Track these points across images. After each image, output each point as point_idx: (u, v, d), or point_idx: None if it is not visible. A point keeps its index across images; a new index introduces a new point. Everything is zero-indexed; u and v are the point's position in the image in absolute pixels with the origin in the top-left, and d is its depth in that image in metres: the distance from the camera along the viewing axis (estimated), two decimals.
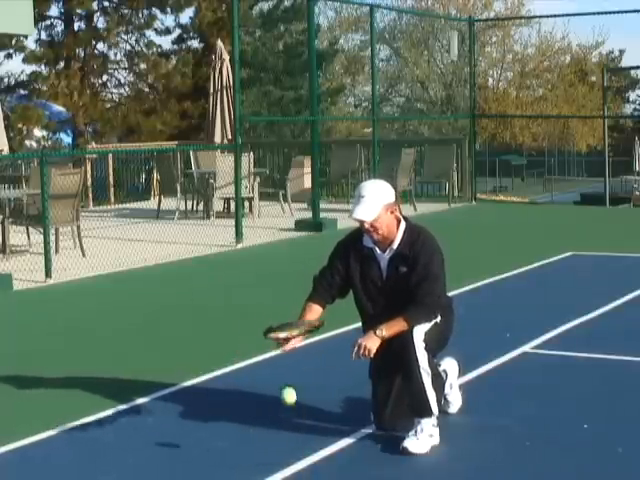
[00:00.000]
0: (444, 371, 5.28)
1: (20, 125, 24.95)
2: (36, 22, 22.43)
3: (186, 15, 37.32)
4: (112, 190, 19.23)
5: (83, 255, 11.57)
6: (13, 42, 25.01)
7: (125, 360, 6.98)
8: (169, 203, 15.79)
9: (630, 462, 4.77)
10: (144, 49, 27.50)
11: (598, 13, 27.28)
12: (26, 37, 23.77)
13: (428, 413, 4.90)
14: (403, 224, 5.04)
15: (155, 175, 18.11)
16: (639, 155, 27.80)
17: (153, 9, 26.90)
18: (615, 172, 30.38)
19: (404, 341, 4.85)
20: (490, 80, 42.69)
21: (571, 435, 5.14)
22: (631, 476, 4.66)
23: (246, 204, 15.40)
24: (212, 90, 16.35)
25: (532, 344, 7.01)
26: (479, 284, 9.47)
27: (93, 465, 4.89)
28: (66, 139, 26.56)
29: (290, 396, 4.76)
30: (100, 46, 27.37)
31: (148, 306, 9.07)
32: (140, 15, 26.93)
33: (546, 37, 41.51)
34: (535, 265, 10.59)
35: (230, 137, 15.91)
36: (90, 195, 18.35)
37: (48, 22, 26.58)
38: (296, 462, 4.78)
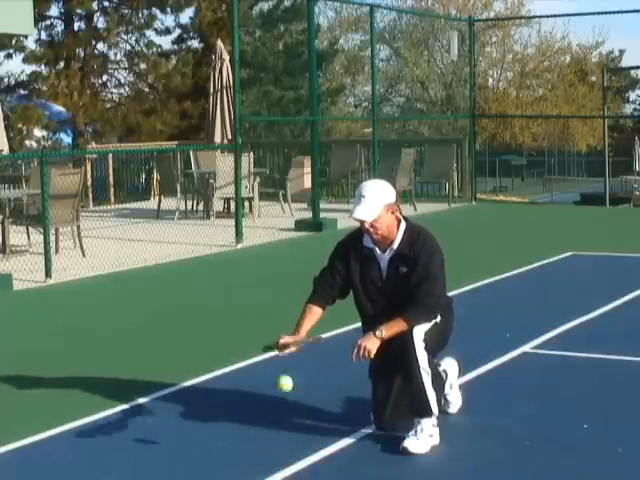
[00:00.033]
0: (444, 371, 5.28)
1: (20, 125, 24.95)
2: (36, 22, 22.43)
3: (186, 15, 37.32)
4: (112, 190, 19.23)
5: (83, 255, 11.57)
6: (13, 42, 25.01)
7: (125, 360, 6.98)
8: (169, 203, 15.79)
9: (630, 462, 4.77)
10: (144, 49, 27.52)
11: (598, 13, 27.31)
12: (26, 37, 23.79)
13: (428, 413, 4.90)
14: (403, 224, 5.03)
15: (155, 175, 18.11)
16: (639, 155, 27.80)
17: (153, 9, 26.92)
18: (615, 172, 30.38)
19: (404, 341, 4.85)
20: (490, 80, 42.71)
21: (571, 435, 5.14)
22: (631, 476, 4.66)
23: (246, 204, 15.39)
24: (212, 90, 16.35)
25: (532, 344, 7.01)
26: (479, 284, 9.47)
27: (93, 465, 4.89)
28: (66, 139, 26.56)
29: (286, 383, 4.74)
30: (100, 46, 27.44)
31: (148, 306, 9.07)
32: (140, 15, 26.95)
33: (546, 37, 41.62)
34: (535, 265, 10.59)
35: (230, 137, 15.91)
36: (90, 195, 18.35)
37: (48, 22, 26.62)
38: (296, 462, 4.78)
